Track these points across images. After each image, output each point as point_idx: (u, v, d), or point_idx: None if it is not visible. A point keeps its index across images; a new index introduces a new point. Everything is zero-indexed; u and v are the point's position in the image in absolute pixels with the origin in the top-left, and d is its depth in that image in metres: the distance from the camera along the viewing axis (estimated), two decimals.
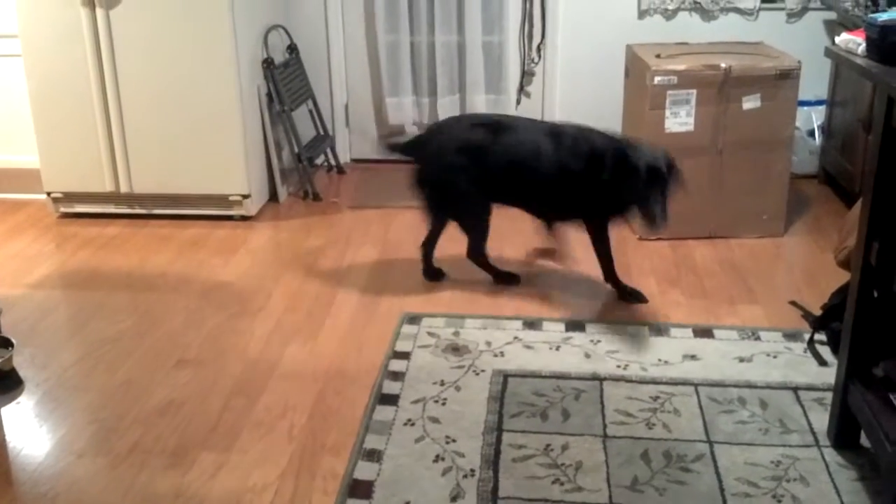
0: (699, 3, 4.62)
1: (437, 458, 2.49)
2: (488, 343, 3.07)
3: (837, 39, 2.61)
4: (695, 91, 3.78)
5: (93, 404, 2.81)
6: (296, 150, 4.53)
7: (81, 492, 2.40)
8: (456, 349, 3.06)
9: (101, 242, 4.07)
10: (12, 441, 2.64)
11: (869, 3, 3.95)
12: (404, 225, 4.10)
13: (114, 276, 3.73)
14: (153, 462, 2.51)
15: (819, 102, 4.57)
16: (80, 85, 4.08)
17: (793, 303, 3.35)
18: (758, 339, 3.11)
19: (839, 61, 2.54)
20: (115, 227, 4.23)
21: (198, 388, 2.88)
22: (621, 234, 4.07)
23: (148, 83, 4.06)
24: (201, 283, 3.65)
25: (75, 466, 2.51)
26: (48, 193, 4.32)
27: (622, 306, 3.38)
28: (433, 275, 3.60)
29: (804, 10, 4.59)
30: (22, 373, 2.95)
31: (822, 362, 2.95)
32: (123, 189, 4.23)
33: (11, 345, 2.99)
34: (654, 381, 2.86)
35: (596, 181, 3.15)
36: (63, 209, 4.35)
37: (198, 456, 2.53)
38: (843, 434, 2.50)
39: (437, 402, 2.76)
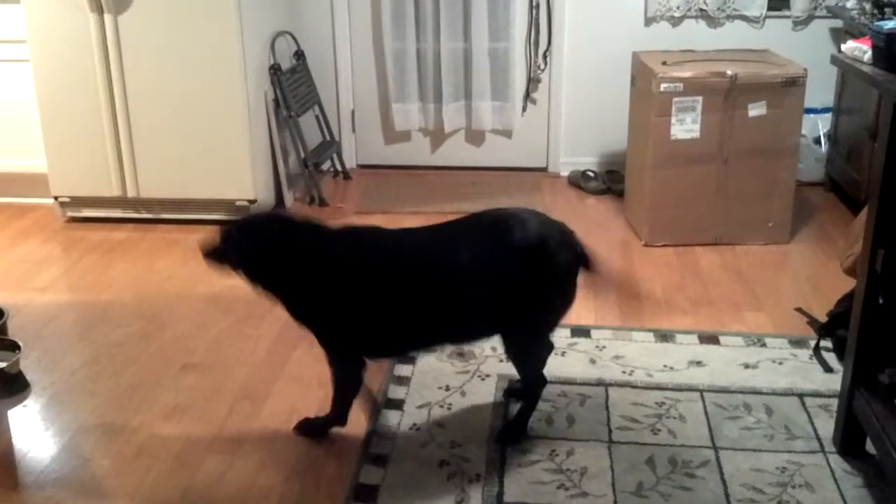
0: (705, 10, 4.63)
1: (443, 464, 2.49)
2: (493, 348, 3.07)
3: (843, 47, 2.61)
4: (701, 98, 3.79)
5: (99, 408, 2.81)
6: (302, 155, 4.55)
7: (87, 495, 2.41)
8: (461, 354, 3.06)
9: (108, 247, 4.08)
10: (19, 444, 2.65)
11: (875, 12, 3.95)
12: None
13: (120, 280, 3.74)
14: (159, 466, 2.52)
15: (825, 110, 4.57)
16: (87, 90, 4.09)
17: (799, 309, 3.35)
18: (763, 345, 3.11)
19: (845, 69, 2.54)
20: (122, 232, 4.24)
21: (204, 392, 2.89)
22: (625, 239, 4.08)
23: (155, 88, 4.08)
24: (207, 287, 3.65)
25: (81, 470, 2.51)
26: (55, 198, 4.34)
27: (628, 313, 3.38)
28: None
29: (810, 17, 4.60)
30: (28, 376, 2.96)
31: (828, 369, 2.94)
32: (131, 193, 4.24)
33: (18, 348, 3.00)
34: (660, 387, 2.86)
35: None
36: (70, 213, 4.37)
37: (204, 459, 2.54)
38: (849, 441, 2.50)
39: (442, 407, 2.77)
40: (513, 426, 2.63)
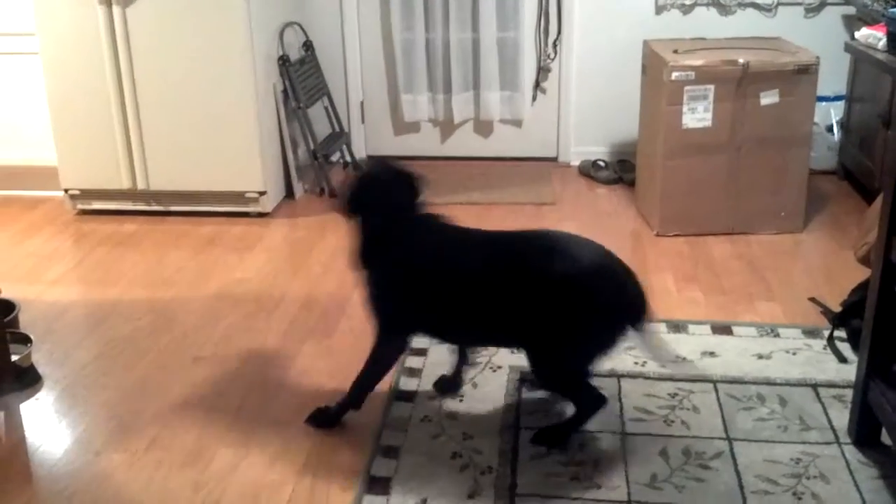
0: None
1: (455, 455, 2.48)
2: None
3: (857, 34, 2.59)
4: (712, 87, 3.76)
5: (110, 401, 2.81)
6: (311, 146, 4.54)
7: (99, 489, 2.41)
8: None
9: (118, 239, 4.09)
10: (31, 437, 2.65)
11: None
12: None
13: (130, 273, 3.75)
14: (171, 458, 2.52)
15: (838, 98, 4.54)
16: (97, 82, 4.09)
17: (812, 299, 3.32)
18: (777, 335, 3.09)
19: (859, 56, 2.53)
20: (131, 224, 4.24)
21: (214, 385, 2.89)
22: (637, 229, 4.06)
23: (164, 80, 4.07)
24: (217, 280, 3.66)
25: (93, 463, 2.51)
26: (65, 190, 4.34)
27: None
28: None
29: (822, 4, 4.56)
30: (40, 369, 2.96)
31: (842, 359, 2.92)
32: (140, 186, 4.24)
33: (30, 341, 3.00)
34: (673, 378, 2.84)
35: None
36: (80, 206, 4.37)
37: (215, 452, 2.54)
38: (864, 431, 2.48)
39: (454, 398, 2.76)
40: (554, 429, 2.56)
